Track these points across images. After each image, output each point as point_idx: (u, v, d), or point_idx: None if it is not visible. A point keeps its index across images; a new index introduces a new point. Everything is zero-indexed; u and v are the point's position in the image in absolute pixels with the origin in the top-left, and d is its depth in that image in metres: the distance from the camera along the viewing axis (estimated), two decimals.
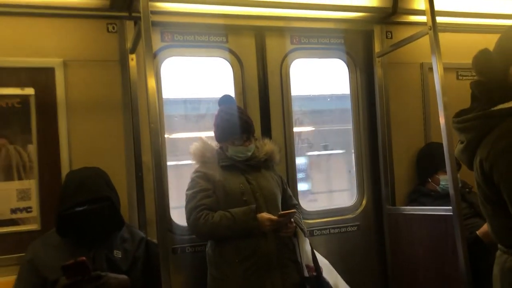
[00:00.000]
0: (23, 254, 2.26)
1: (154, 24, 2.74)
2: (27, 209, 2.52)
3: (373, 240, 3.33)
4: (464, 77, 3.54)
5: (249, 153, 2.65)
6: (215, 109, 2.77)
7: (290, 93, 3.21)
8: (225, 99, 2.76)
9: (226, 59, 3.08)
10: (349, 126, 3.42)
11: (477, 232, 2.67)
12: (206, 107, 3.33)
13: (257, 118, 3.05)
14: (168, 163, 2.93)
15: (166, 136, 2.94)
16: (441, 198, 3.04)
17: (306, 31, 3.22)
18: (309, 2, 2.97)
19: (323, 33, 3.27)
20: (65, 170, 2.55)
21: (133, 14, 2.70)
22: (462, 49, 3.35)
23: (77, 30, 2.66)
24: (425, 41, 2.71)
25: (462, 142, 1.75)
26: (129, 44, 2.72)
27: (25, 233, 2.48)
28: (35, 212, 2.53)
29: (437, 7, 2.66)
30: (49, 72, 2.59)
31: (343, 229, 3.24)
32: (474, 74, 1.78)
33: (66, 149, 2.59)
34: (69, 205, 2.18)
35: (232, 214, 2.47)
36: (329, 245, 3.15)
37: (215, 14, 2.90)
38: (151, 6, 2.42)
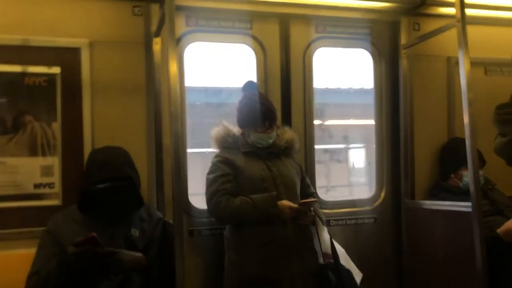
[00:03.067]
0: (44, 228, 2.31)
1: (179, 8, 2.77)
2: (50, 185, 2.59)
3: (390, 233, 3.29)
4: (493, 73, 3.45)
5: (271, 141, 2.65)
6: (236, 98, 2.78)
7: (312, 82, 3.19)
8: (249, 84, 2.77)
9: (249, 46, 3.08)
10: (371, 121, 3.39)
11: (498, 231, 2.63)
12: (228, 95, 3.34)
13: (278, 106, 3.03)
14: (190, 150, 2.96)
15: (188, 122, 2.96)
16: (462, 194, 2.99)
17: (332, 20, 3.19)
18: None
19: (349, 22, 3.23)
20: (87, 148, 2.61)
21: None
22: (491, 43, 3.28)
23: (103, 12, 2.70)
24: (452, 34, 2.65)
25: (503, 135, 1.70)
26: (154, 28, 2.74)
27: (47, 208, 2.53)
28: (57, 188, 2.59)
29: None
30: (75, 52, 2.63)
31: (360, 221, 3.22)
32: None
33: (89, 128, 2.64)
34: (92, 182, 2.23)
35: (253, 200, 2.48)
36: (345, 235, 3.12)
37: (240, 0, 2.89)
38: None
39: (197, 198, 2.86)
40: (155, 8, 2.77)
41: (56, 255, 2.13)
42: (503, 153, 1.71)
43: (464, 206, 2.64)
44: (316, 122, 3.29)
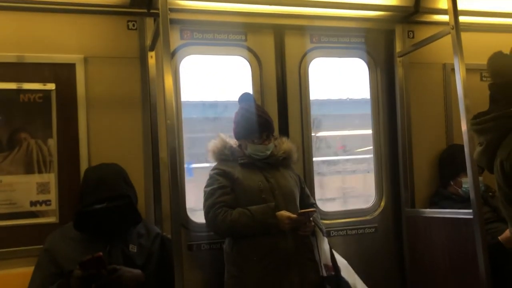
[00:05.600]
0: (40, 246, 2.29)
1: (174, 21, 2.77)
2: (46, 202, 2.56)
3: (391, 242, 3.27)
4: (488, 78, 3.43)
5: (268, 152, 2.64)
6: (233, 110, 2.77)
7: (309, 92, 3.19)
8: (245, 96, 2.76)
9: (245, 58, 3.08)
10: (369, 131, 3.38)
11: (499, 238, 2.60)
12: (224, 107, 3.33)
13: (275, 117, 3.03)
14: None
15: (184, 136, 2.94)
16: (463, 201, 2.98)
17: (326, 30, 3.20)
18: (329, 0, 2.95)
19: (344, 32, 3.24)
20: (83, 164, 2.59)
21: (152, 11, 2.72)
22: (486, 49, 3.24)
23: (98, 27, 2.70)
24: (447, 41, 2.65)
25: (481, 144, 1.72)
26: (148, 41, 2.74)
27: (44, 225, 2.51)
28: (54, 205, 2.57)
29: (460, 6, 2.60)
30: (70, 68, 2.63)
31: (361, 231, 3.19)
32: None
33: (85, 144, 2.62)
34: (89, 202, 2.21)
35: (251, 211, 2.46)
36: (346, 246, 3.11)
37: (234, 12, 2.90)
38: (170, 4, 2.44)
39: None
40: (149, 22, 2.77)
41: (52, 275, 2.10)
42: (482, 160, 1.72)
43: (465, 213, 2.62)
44: (315, 133, 3.28)
